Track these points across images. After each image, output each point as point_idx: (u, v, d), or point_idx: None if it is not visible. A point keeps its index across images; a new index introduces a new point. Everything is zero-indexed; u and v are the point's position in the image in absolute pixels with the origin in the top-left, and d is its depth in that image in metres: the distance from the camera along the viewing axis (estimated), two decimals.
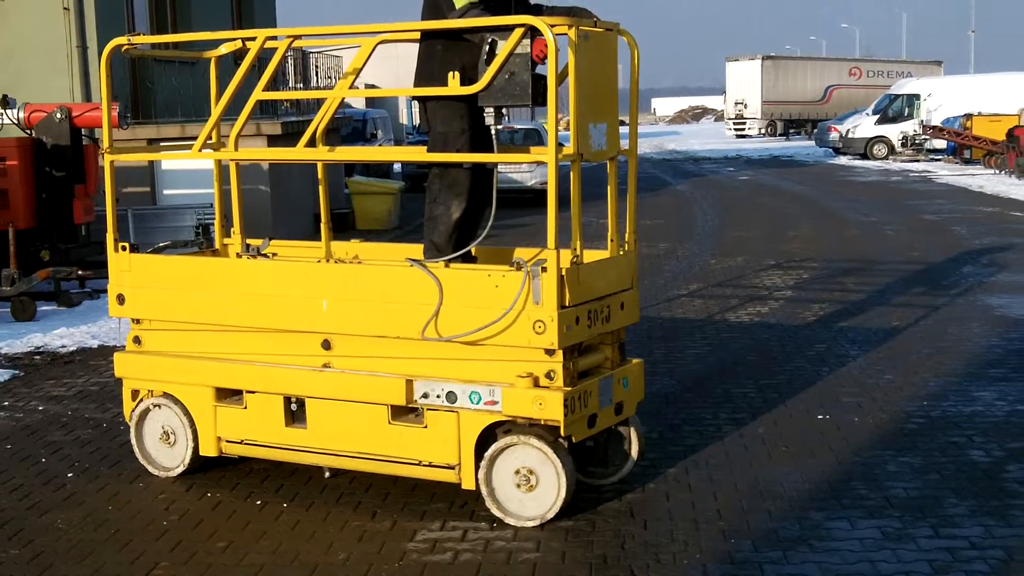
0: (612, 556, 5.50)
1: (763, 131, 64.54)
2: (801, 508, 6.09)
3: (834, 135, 45.51)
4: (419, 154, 6.57)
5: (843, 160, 42.53)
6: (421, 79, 6.35)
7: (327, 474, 6.61)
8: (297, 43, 6.73)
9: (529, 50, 5.65)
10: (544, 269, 5.62)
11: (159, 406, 6.82)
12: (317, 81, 25.07)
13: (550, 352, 5.69)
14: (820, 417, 7.75)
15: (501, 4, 6.18)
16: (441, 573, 5.36)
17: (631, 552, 5.55)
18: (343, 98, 7.89)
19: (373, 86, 57.27)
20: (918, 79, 48.36)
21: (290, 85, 25.46)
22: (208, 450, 6.67)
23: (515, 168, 24.25)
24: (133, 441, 6.91)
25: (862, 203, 24.50)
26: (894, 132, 42.53)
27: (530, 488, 5.85)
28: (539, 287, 5.63)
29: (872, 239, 18.16)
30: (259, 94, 6.56)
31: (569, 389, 5.70)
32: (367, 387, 6.11)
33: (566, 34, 5.57)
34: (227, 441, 6.63)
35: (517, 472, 5.86)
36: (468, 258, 6.41)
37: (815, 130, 52.93)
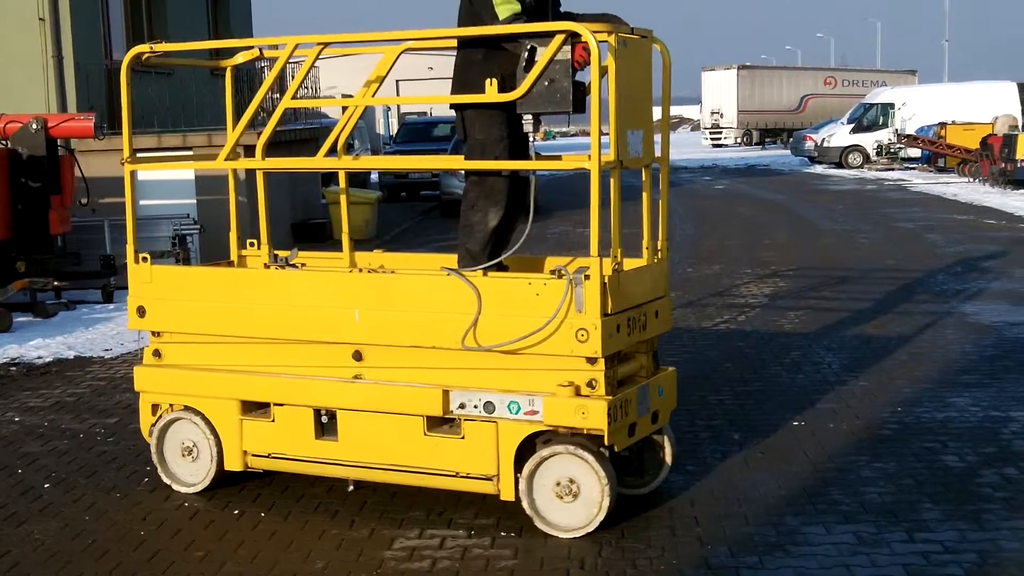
0: (589, 563, 5.53)
1: (739, 140, 64.79)
2: (777, 514, 6.13)
3: (809, 144, 45.71)
4: (457, 161, 6.52)
5: (818, 169, 42.71)
6: (459, 87, 6.34)
7: (350, 487, 6.51)
8: (324, 51, 6.46)
9: (570, 57, 5.63)
10: (587, 277, 5.59)
11: (181, 420, 6.70)
12: (297, 91, 25.04)
13: (592, 360, 5.64)
14: (796, 424, 7.80)
15: (539, 14, 6.20)
16: None
17: (608, 559, 5.57)
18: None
19: (348, 95, 57.33)
20: (892, 88, 48.63)
21: (269, 96, 25.50)
22: (233, 464, 6.55)
23: None
24: (154, 456, 6.78)
25: (837, 212, 24.62)
26: (869, 141, 42.75)
27: (572, 498, 5.79)
28: (582, 295, 5.59)
29: (847, 247, 18.25)
30: (287, 102, 6.49)
31: (612, 398, 5.66)
32: (402, 398, 6.02)
33: (606, 41, 5.56)
34: (253, 455, 6.52)
35: (559, 483, 5.79)
36: (499, 267, 6.37)
37: (791, 139, 53.14)
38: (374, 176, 31.29)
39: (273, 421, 6.40)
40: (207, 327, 6.53)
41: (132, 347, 11.19)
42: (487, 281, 5.88)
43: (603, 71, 5.51)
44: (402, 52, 6.88)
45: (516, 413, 5.78)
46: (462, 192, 6.69)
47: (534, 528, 5.94)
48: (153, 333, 6.74)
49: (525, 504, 5.86)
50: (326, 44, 6.27)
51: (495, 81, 5.85)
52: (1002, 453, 7.11)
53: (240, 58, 7.11)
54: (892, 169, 40.00)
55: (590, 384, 5.66)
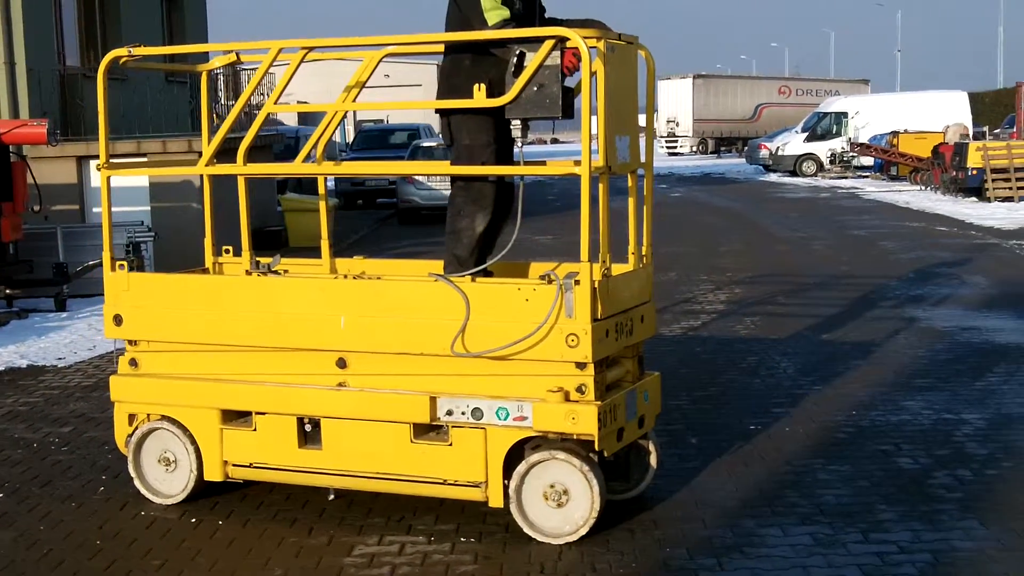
0: (549, 567, 5.54)
1: (695, 149, 65.11)
2: (734, 516, 6.17)
3: (764, 152, 46.01)
4: (443, 167, 6.43)
5: (773, 177, 43.01)
6: (446, 92, 6.32)
7: (331, 496, 6.44)
8: (282, 56, 6.43)
9: (559, 62, 5.64)
10: (577, 282, 5.59)
11: (159, 430, 6.58)
12: (250, 97, 25.00)
13: (581, 366, 5.63)
14: (752, 427, 7.85)
15: (527, 20, 6.20)
16: None
17: (568, 562, 5.58)
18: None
19: (303, 102, 57.06)
20: (846, 97, 49.01)
21: (222, 102, 25.41)
22: (213, 475, 6.44)
23: (444, 185, 24.28)
24: (131, 468, 6.64)
25: (792, 219, 24.80)
26: (822, 149, 43.08)
27: (561, 504, 5.76)
28: (572, 300, 5.58)
29: (802, 254, 18.39)
30: (270, 107, 6.38)
31: (601, 403, 5.66)
32: (389, 405, 5.98)
33: (595, 47, 5.55)
34: (234, 465, 6.41)
35: (548, 488, 5.77)
36: (484, 273, 6.33)
37: (745, 148, 53.46)
38: (330, 183, 31.24)
39: (255, 430, 6.31)
40: (187, 335, 6.43)
41: (85, 356, 11.11)
42: (475, 287, 5.86)
43: (591, 76, 5.52)
44: (383, 57, 6.83)
45: (504, 419, 5.75)
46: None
47: (494, 533, 5.96)
48: (129, 342, 6.63)
49: (514, 510, 5.82)
50: (310, 48, 6.21)
51: (483, 86, 5.85)
52: (955, 455, 7.19)
53: (217, 63, 7.02)
54: (845, 177, 40.33)
55: (579, 389, 5.65)
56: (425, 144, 27.10)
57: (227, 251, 7.32)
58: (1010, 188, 27.60)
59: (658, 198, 32.23)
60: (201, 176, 6.98)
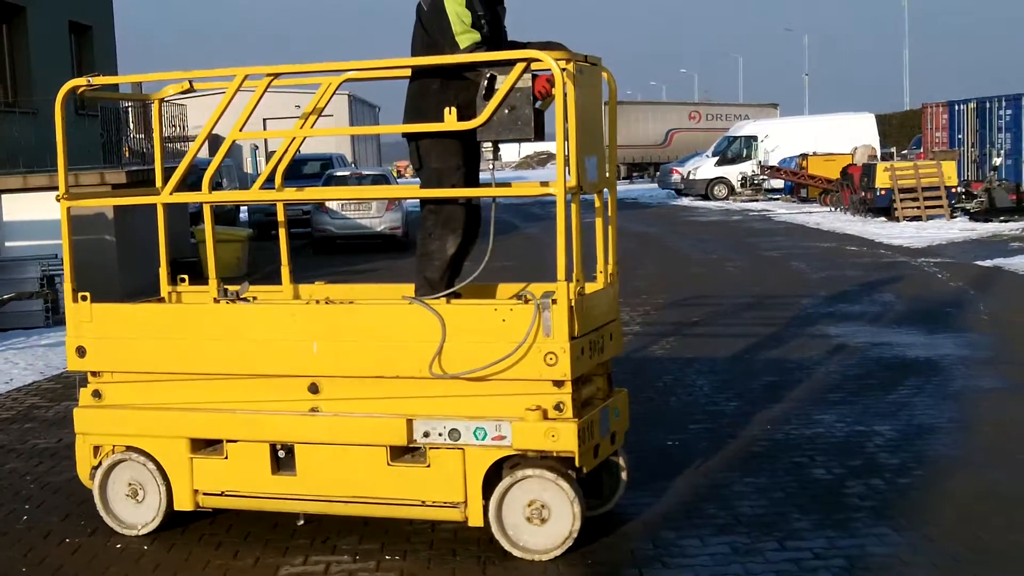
0: None
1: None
2: (655, 528, 6.30)
3: (676, 177, 46.49)
4: (414, 191, 6.46)
5: (685, 201, 43.47)
6: (414, 116, 6.31)
7: (300, 522, 6.40)
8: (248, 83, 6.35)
9: (530, 84, 5.70)
10: (554, 301, 5.65)
11: (126, 462, 6.46)
12: (161, 128, 24.84)
13: (559, 384, 5.68)
14: (670, 443, 7.99)
15: (493, 44, 6.22)
16: None
17: None
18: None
19: (216, 135, 56.69)
20: (755, 121, 49.69)
21: (132, 135, 25.21)
22: (184, 504, 6.35)
23: (364, 214, 24.33)
24: (97, 500, 6.53)
25: (705, 242, 25.13)
26: (733, 173, 43.62)
27: (542, 521, 5.79)
28: (549, 319, 5.63)
29: (716, 275, 18.65)
30: (235, 135, 6.29)
31: (580, 420, 5.72)
32: (365, 429, 5.96)
33: (566, 68, 5.57)
34: (205, 494, 6.34)
35: (529, 506, 5.80)
36: (453, 296, 6.34)
37: (657, 173, 53.98)
38: (243, 214, 31.08)
39: (226, 458, 6.26)
40: (155, 365, 6.36)
41: (3, 388, 11.00)
42: (451, 308, 5.90)
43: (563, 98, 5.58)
44: (341, 83, 6.81)
45: (483, 439, 5.78)
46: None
47: (418, 551, 6.02)
48: (92, 373, 6.52)
49: (495, 529, 5.85)
50: (276, 75, 6.20)
51: (454, 110, 5.88)
52: (867, 465, 7.38)
53: (170, 90, 6.91)
54: (756, 200, 40.88)
55: (557, 407, 5.70)
56: (338, 173, 27.11)
57: (183, 280, 7.28)
58: (918, 207, 28.19)
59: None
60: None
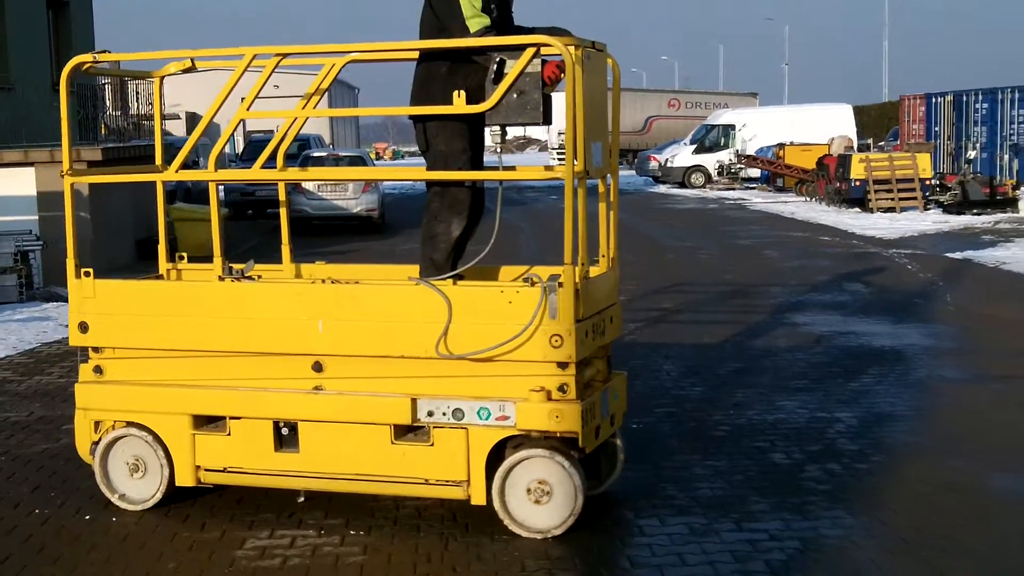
0: (436, 556, 5.74)
1: None
2: (614, 508, 6.42)
3: (654, 164, 46.65)
4: (420, 172, 6.46)
5: (662, 188, 43.61)
6: (422, 99, 6.35)
7: (301, 499, 6.49)
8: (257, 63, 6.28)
9: (540, 69, 5.78)
10: (561, 284, 5.74)
11: (128, 437, 6.49)
12: (138, 107, 24.83)
13: (563, 365, 5.77)
14: (635, 426, 8.10)
15: (501, 28, 6.28)
16: None
17: (454, 551, 5.79)
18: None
19: (194, 114, 56.46)
20: (734, 110, 49.85)
21: (109, 112, 25.19)
22: (185, 480, 6.39)
23: (340, 195, 24.37)
24: (97, 475, 6.55)
25: (680, 229, 25.27)
26: (711, 161, 43.82)
27: (544, 500, 5.90)
28: (556, 302, 5.72)
29: (688, 263, 18.79)
30: (243, 113, 6.32)
31: (583, 402, 5.82)
32: (369, 408, 6.03)
33: (575, 54, 5.66)
34: (206, 470, 6.39)
35: (531, 486, 5.90)
36: (457, 277, 6.38)
37: (635, 159, 54.08)
38: (220, 193, 31.06)
39: (229, 435, 6.31)
40: (158, 342, 6.38)
41: None
42: (458, 290, 5.96)
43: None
44: (345, 64, 6.82)
45: (486, 419, 5.86)
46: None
47: (382, 527, 6.13)
48: (93, 349, 6.54)
49: (498, 507, 5.95)
50: (284, 55, 6.22)
51: (463, 93, 5.93)
52: (827, 451, 7.52)
53: (173, 68, 6.90)
54: (733, 189, 41.07)
55: (561, 389, 5.79)
56: (315, 154, 27.10)
57: (181, 257, 7.30)
58: (892, 199, 28.40)
59: (547, 209, 32.58)
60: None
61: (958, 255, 18.71)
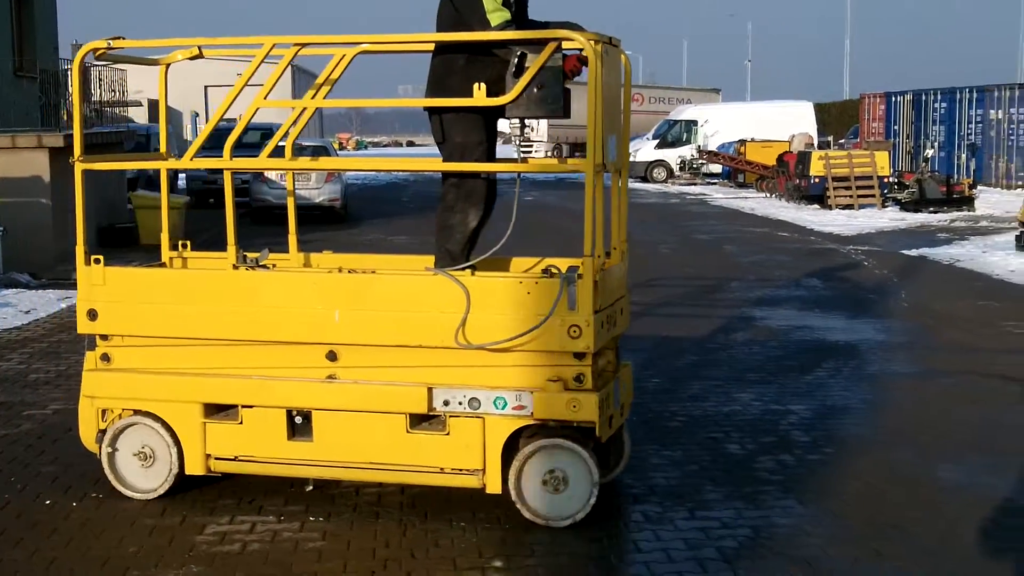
0: (394, 542, 5.83)
1: (549, 154, 65.77)
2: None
3: None
4: (436, 163, 6.53)
5: None
6: (440, 91, 6.39)
7: (310, 487, 6.53)
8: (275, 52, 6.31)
9: (561, 63, 5.85)
10: (580, 276, 5.82)
11: (136, 426, 6.47)
12: (100, 94, 24.73)
13: (580, 356, 5.84)
14: None
15: (517, 22, 6.32)
16: (230, 562, 5.60)
17: (412, 538, 5.89)
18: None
19: (156, 101, 56.17)
20: (696, 106, 50.09)
21: (70, 98, 25.06)
22: (195, 468, 6.38)
23: (304, 185, 24.37)
24: (105, 464, 6.52)
25: (641, 224, 25.36)
26: (673, 156, 44.01)
27: (560, 489, 5.98)
28: (575, 293, 5.80)
29: (649, 257, 18.88)
30: (260, 102, 6.29)
31: (600, 392, 5.90)
32: (385, 397, 6.07)
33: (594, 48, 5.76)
34: (217, 458, 6.38)
35: (548, 474, 5.98)
36: (470, 268, 6.42)
37: None
38: (181, 182, 30.97)
39: (241, 423, 6.32)
40: (171, 330, 6.36)
41: None
42: (476, 280, 6.01)
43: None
44: (355, 55, 6.80)
45: (502, 408, 5.92)
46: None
47: (341, 513, 6.22)
48: (100, 337, 6.51)
49: (514, 496, 6.02)
50: (303, 45, 6.26)
51: (483, 86, 5.99)
52: (780, 442, 7.67)
53: (179, 55, 6.83)
54: (694, 184, 41.31)
55: (578, 379, 5.87)
56: (279, 143, 27.04)
57: (185, 245, 7.32)
58: (850, 196, 28.66)
59: (512, 202, 32.70)
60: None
61: (914, 252, 18.95)
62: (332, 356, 6.15)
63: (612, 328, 6.27)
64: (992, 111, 37.40)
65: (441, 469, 6.12)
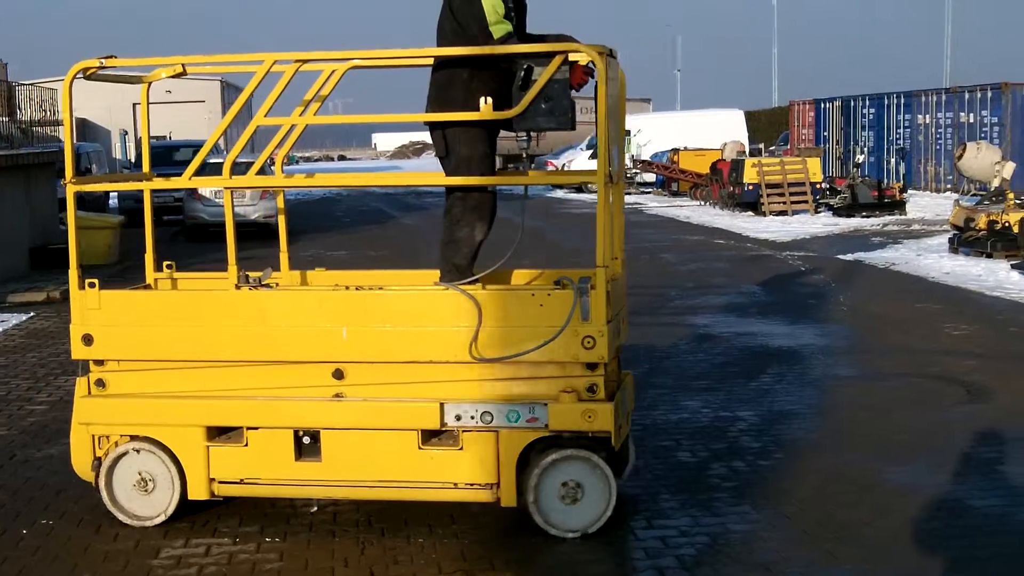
0: (353, 560, 5.81)
1: None
2: (526, 508, 6.51)
3: (551, 169, 46.84)
4: (439, 178, 6.53)
5: (560, 193, 43.82)
6: (443, 104, 6.33)
7: (313, 508, 6.47)
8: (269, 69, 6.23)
9: (568, 76, 5.87)
10: (593, 286, 5.85)
11: (134, 452, 6.33)
12: (28, 113, 24.41)
13: (592, 366, 5.88)
14: None
15: (518, 35, 6.31)
16: None
17: (370, 556, 5.86)
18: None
19: (84, 120, 55.52)
20: (628, 116, 50.16)
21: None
22: (198, 493, 6.26)
23: (239, 202, 24.21)
24: (103, 492, 6.35)
25: (578, 233, 25.42)
26: None
27: (576, 500, 6.00)
28: (588, 304, 5.82)
29: (587, 267, 18.87)
30: (260, 120, 6.21)
31: (613, 401, 5.93)
32: (397, 413, 6.03)
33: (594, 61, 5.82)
34: (221, 482, 6.28)
35: (563, 486, 5.99)
36: (474, 282, 6.39)
37: (532, 164, 54.19)
38: (113, 200, 30.67)
39: (246, 445, 6.22)
40: (172, 353, 6.24)
41: None
42: (488, 294, 6.00)
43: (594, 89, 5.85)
44: (346, 71, 6.73)
45: (515, 421, 5.91)
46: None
47: (298, 533, 6.18)
48: (95, 362, 6.34)
49: (532, 509, 6.01)
50: (304, 61, 6.22)
51: (490, 99, 5.99)
52: (731, 448, 7.72)
53: (163, 73, 6.72)
54: (629, 193, 41.36)
55: (591, 389, 5.90)
56: (212, 160, 26.86)
57: (170, 266, 7.21)
58: (783, 203, 28.93)
59: None
60: None
61: (849, 257, 19.16)
62: (339, 374, 6.11)
63: (618, 337, 6.32)
64: (920, 116, 37.99)
65: (455, 484, 6.11)
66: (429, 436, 6.13)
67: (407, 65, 7.02)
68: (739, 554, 5.85)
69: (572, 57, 5.95)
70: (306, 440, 6.20)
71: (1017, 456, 7.49)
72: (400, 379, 6.06)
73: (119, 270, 18.83)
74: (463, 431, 6.03)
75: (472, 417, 5.97)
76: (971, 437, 7.88)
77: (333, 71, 6.80)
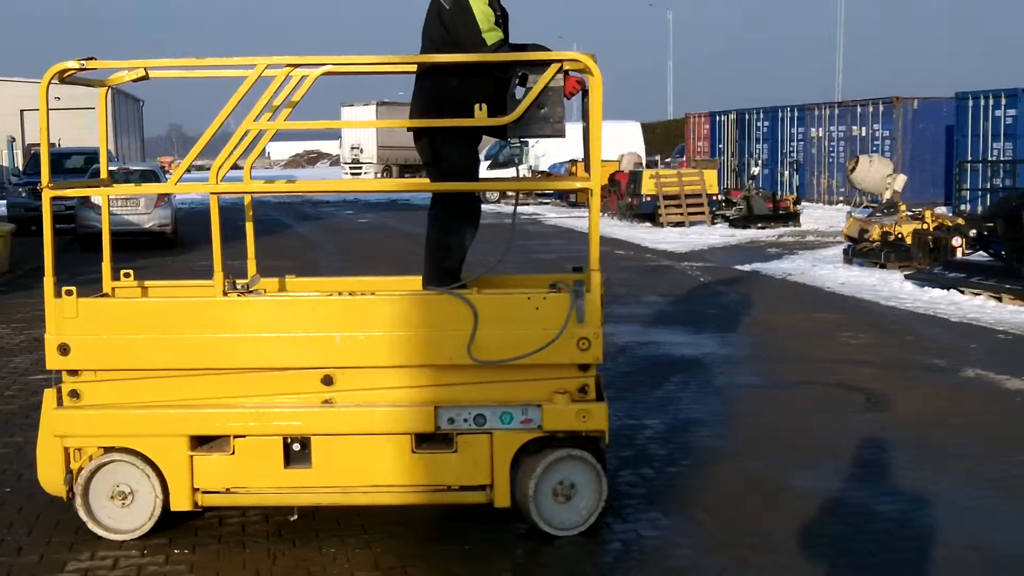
0: (264, 571, 5.75)
1: (379, 175, 65.57)
2: (439, 516, 6.50)
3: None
4: (423, 183, 6.51)
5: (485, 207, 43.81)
6: (432, 111, 6.29)
7: (294, 516, 6.31)
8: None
9: (562, 84, 5.90)
10: (588, 290, 5.89)
11: (112, 463, 6.13)
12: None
13: (584, 368, 5.98)
14: None
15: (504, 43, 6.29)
16: None
17: (282, 567, 5.80)
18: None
19: None
20: None
21: None
22: (181, 504, 6.09)
23: (133, 210, 23.84)
24: (79, 506, 6.14)
25: (477, 244, 25.45)
26: (505, 177, 44.31)
27: (568, 499, 6.08)
28: (583, 307, 5.87)
29: (551, 272, 18.93)
30: (249, 124, 6.04)
31: (605, 401, 6.01)
32: (391, 418, 6.02)
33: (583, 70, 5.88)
34: (205, 492, 6.12)
35: (558, 485, 6.06)
36: (461, 286, 6.37)
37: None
38: (1, 208, 30.05)
39: (233, 454, 6.09)
40: (154, 361, 6.07)
41: None
42: (484, 298, 6.02)
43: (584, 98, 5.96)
44: (319, 76, 6.53)
45: (509, 423, 5.96)
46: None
47: (207, 544, 6.09)
48: (68, 372, 6.14)
49: (530, 509, 6.04)
50: (296, 66, 6.11)
51: (484, 106, 5.94)
52: (639, 456, 7.78)
53: (126, 76, 6.49)
54: (527, 204, 41.64)
55: (582, 390, 6.01)
56: (112, 168, 26.43)
57: (127, 275, 7.03)
58: (681, 214, 29.27)
59: (345, 223, 32.49)
60: None
61: (747, 267, 19.42)
62: (328, 380, 6.07)
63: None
64: (813, 129, 38.66)
65: (448, 487, 6.13)
66: (422, 440, 6.13)
67: (385, 72, 7.12)
68: (653, 560, 5.91)
69: (568, 66, 6.01)
70: (295, 447, 6.13)
71: (916, 461, 7.64)
72: (391, 384, 6.08)
73: (10, 278, 18.46)
74: (457, 434, 6.05)
75: (466, 420, 6.02)
76: (873, 443, 8.03)
77: (304, 76, 6.72)
